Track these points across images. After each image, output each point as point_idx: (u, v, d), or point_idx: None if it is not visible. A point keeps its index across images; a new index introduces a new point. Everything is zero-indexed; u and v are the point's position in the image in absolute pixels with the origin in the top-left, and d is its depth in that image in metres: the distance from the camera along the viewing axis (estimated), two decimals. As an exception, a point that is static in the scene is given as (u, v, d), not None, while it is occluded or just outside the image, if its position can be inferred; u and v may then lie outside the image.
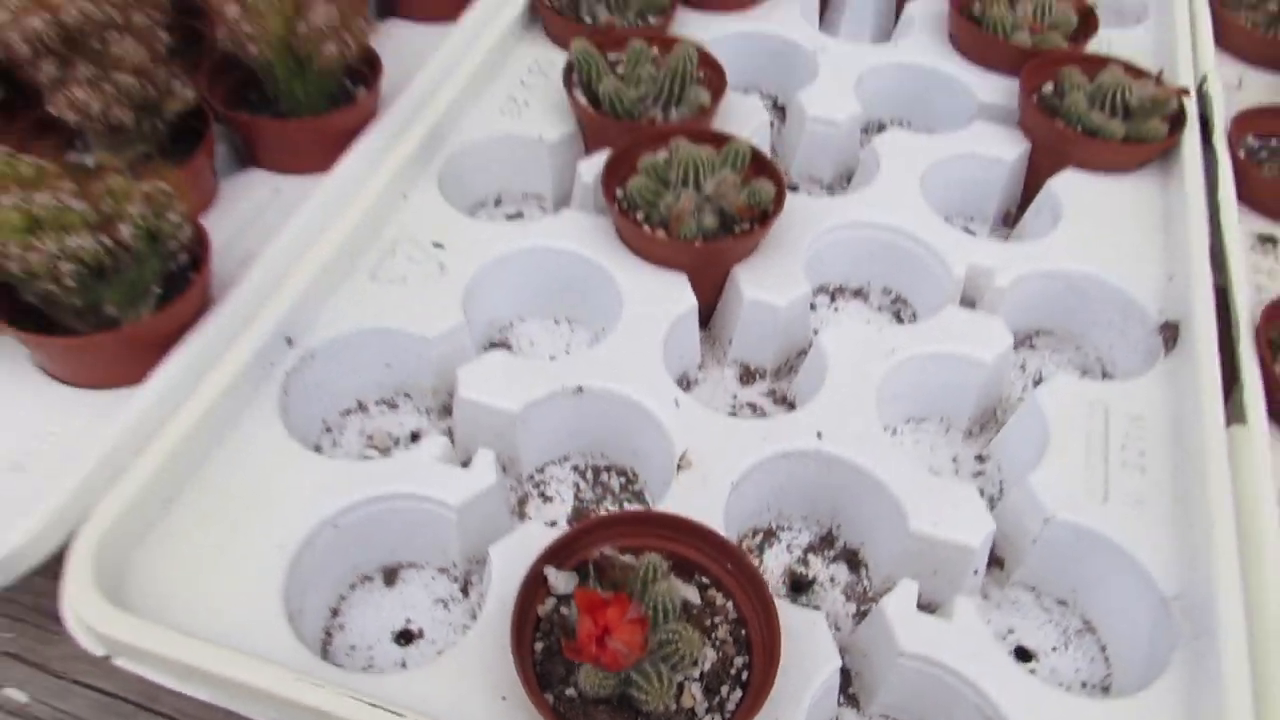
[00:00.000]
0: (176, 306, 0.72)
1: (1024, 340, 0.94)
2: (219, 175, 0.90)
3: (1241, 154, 0.98)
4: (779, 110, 1.15)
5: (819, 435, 0.75)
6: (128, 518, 0.64)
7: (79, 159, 0.83)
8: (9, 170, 0.67)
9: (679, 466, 0.73)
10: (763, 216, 0.86)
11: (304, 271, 0.78)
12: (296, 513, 0.68)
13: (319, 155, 0.88)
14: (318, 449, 0.79)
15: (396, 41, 1.04)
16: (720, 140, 0.90)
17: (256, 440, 0.72)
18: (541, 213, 1.01)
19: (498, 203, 1.01)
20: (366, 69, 0.93)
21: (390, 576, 0.74)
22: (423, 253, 0.85)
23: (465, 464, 0.72)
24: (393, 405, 0.84)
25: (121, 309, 0.71)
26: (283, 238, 0.80)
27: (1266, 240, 0.93)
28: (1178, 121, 0.98)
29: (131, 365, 0.71)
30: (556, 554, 0.63)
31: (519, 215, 1.01)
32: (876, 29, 1.20)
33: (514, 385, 0.76)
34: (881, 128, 1.13)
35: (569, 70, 0.97)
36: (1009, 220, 1.05)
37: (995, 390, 0.87)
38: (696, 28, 1.10)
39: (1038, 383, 0.89)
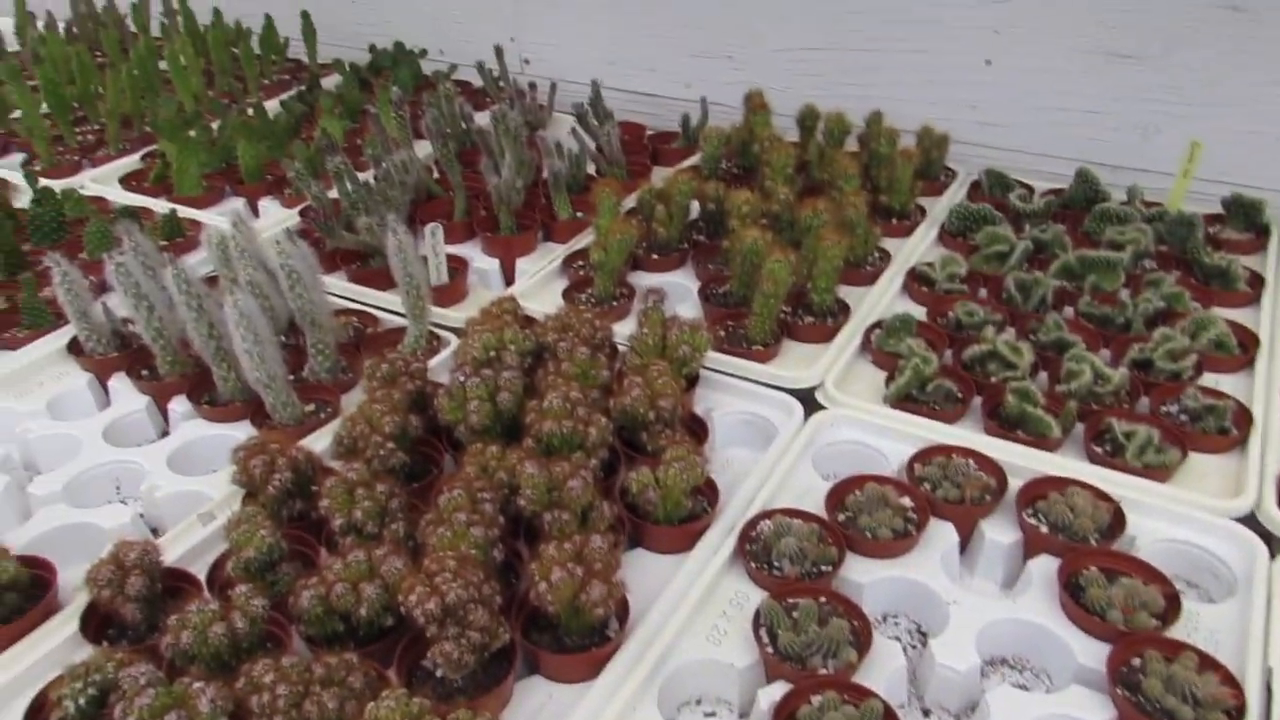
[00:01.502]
0: (485, 807, 1.12)
1: None
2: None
3: (1298, 747, 1.21)
4: (921, 635, 1.48)
5: None
6: None
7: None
8: (406, 711, 1.11)
9: None
10: (888, 769, 1.18)
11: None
12: None
13: (583, 673, 1.30)
14: None
15: (639, 569, 1.47)
16: (863, 694, 1.24)
17: None
18: (729, 713, 1.37)
19: (698, 702, 1.38)
20: (620, 609, 1.35)
21: None
22: (645, 763, 1.22)
23: None
24: None
25: (449, 800, 1.11)
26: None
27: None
28: (1240, 713, 1.23)
29: (452, 841, 1.11)
30: None
31: (713, 714, 1.37)
32: (1006, 575, 1.53)
33: None
34: (1003, 661, 1.44)
35: (757, 615, 1.36)
36: (1107, 767, 1.30)
37: None
38: (859, 571, 1.47)
39: None
